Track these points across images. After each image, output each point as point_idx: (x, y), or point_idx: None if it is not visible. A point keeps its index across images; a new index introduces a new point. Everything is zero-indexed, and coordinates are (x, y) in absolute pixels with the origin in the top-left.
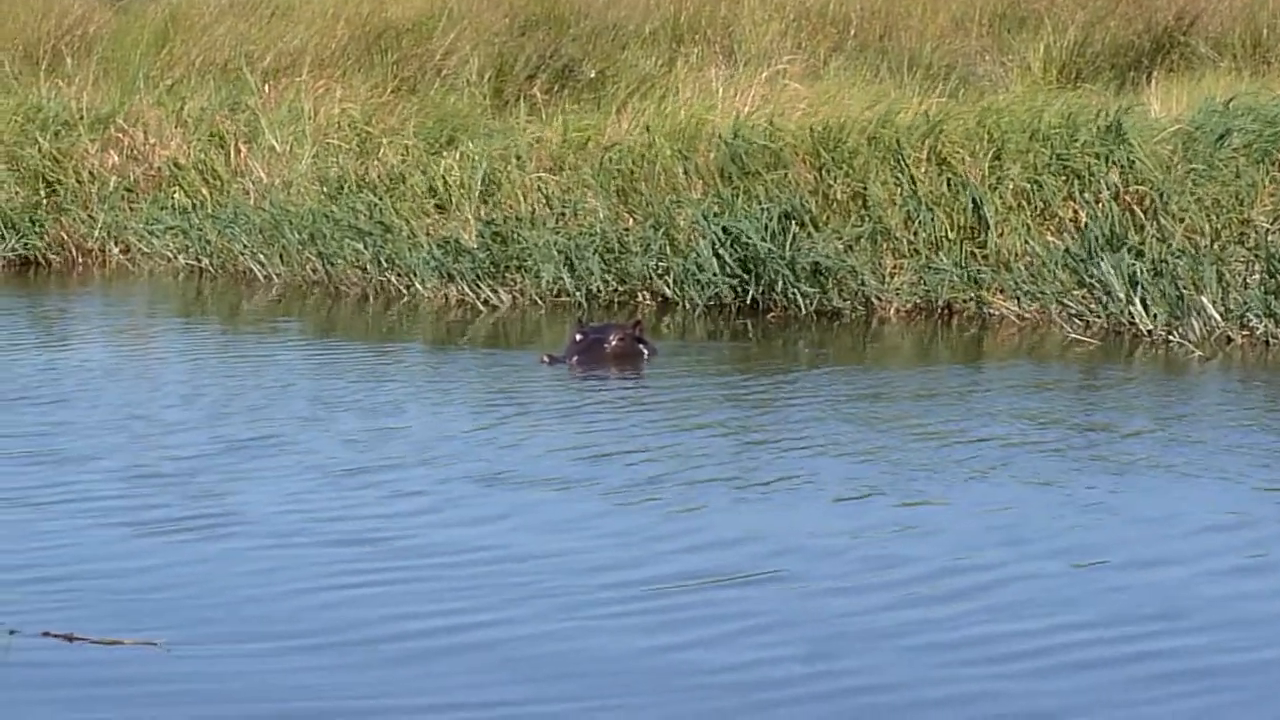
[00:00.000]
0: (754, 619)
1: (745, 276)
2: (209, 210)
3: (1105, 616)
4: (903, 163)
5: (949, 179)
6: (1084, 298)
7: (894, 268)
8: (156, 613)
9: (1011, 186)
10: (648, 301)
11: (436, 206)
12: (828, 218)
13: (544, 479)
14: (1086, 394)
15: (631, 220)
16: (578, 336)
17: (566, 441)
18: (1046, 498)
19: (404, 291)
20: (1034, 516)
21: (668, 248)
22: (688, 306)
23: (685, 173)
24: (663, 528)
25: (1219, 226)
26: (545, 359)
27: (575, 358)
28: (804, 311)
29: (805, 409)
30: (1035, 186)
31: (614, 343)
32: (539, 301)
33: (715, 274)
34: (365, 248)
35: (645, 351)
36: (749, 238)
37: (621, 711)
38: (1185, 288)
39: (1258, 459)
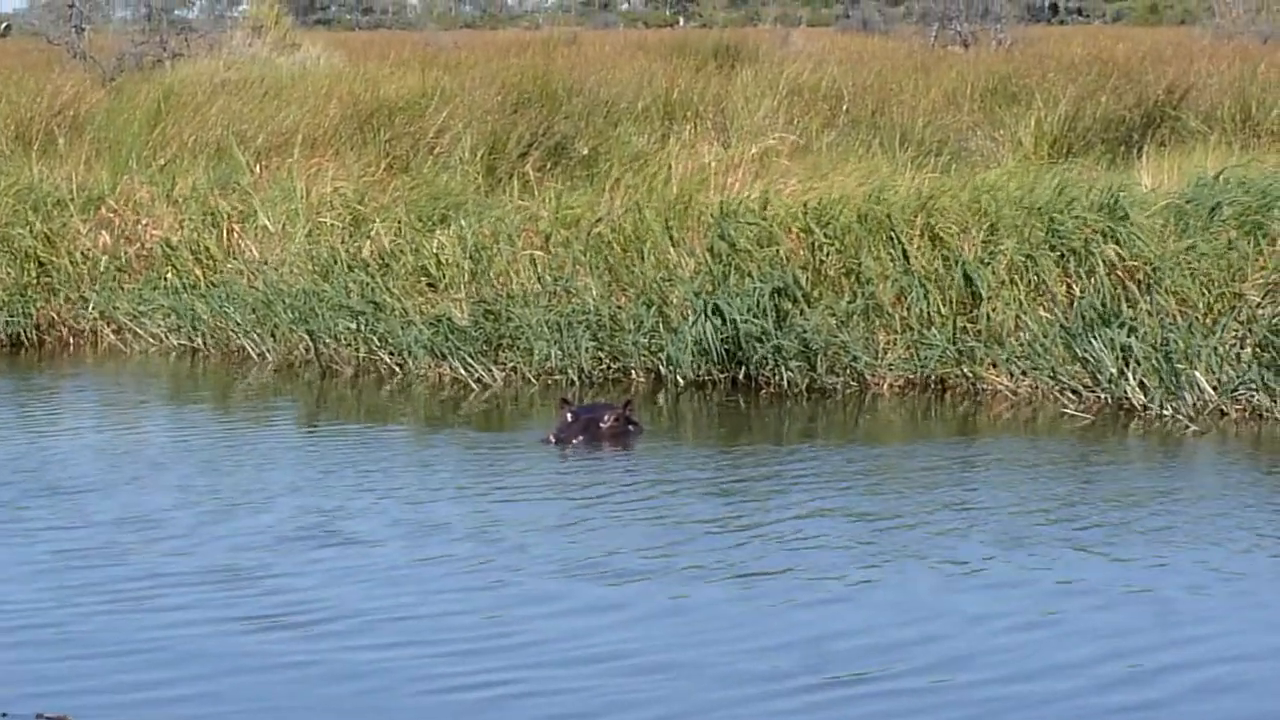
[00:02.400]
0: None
1: (737, 354)
2: (201, 290)
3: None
4: (895, 238)
5: (942, 254)
6: (1077, 372)
7: (887, 343)
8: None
9: (1005, 261)
10: (640, 379)
11: (429, 284)
12: (820, 293)
13: (540, 561)
14: (1080, 470)
15: (624, 297)
16: (569, 416)
17: (558, 522)
18: (1037, 575)
19: (396, 369)
20: (1039, 597)
21: (660, 325)
22: (680, 384)
23: (675, 250)
24: (675, 615)
25: (1211, 300)
26: (551, 439)
27: (579, 437)
28: (796, 388)
29: (798, 489)
30: (1029, 261)
31: (609, 422)
32: (531, 379)
33: (707, 352)
34: (358, 326)
35: (635, 430)
36: (740, 315)
37: None
38: (1178, 362)
39: (1251, 531)
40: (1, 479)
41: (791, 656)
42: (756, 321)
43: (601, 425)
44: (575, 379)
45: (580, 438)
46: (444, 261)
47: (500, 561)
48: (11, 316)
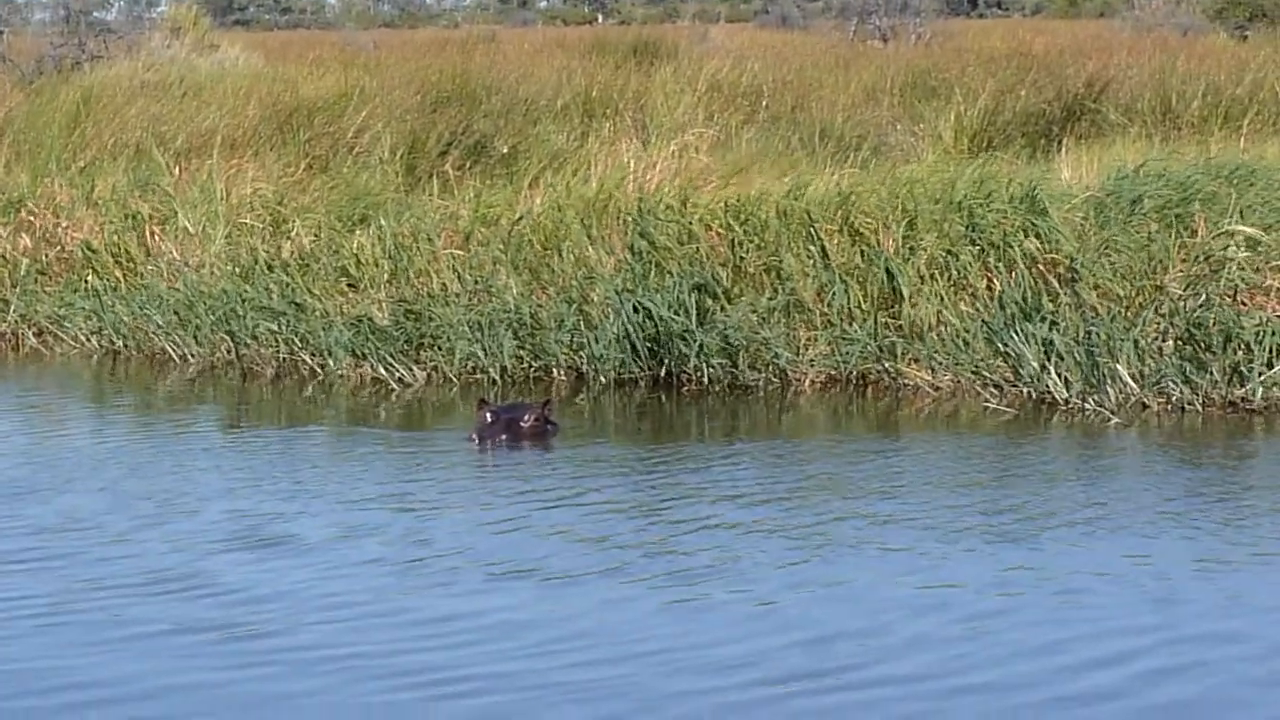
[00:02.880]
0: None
1: (658, 351)
2: (122, 292)
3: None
4: (815, 234)
5: (862, 250)
6: (999, 367)
7: (808, 339)
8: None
9: (925, 256)
10: (562, 377)
11: (349, 285)
12: (741, 290)
13: (470, 562)
14: (1002, 463)
15: (545, 296)
16: (488, 416)
17: (483, 522)
18: (964, 567)
19: (318, 370)
20: (952, 587)
21: (581, 323)
22: (603, 382)
23: (595, 247)
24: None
25: (1133, 293)
26: (474, 438)
27: (501, 437)
28: (718, 385)
29: (722, 485)
30: (950, 256)
31: (529, 421)
32: (453, 379)
33: (628, 349)
34: (279, 327)
35: (553, 429)
36: (660, 313)
37: None
38: (1100, 355)
39: (1171, 521)
40: None
41: (724, 654)
42: (678, 318)
43: (522, 425)
44: (497, 378)
45: (503, 437)
46: (364, 261)
47: (431, 563)
48: None
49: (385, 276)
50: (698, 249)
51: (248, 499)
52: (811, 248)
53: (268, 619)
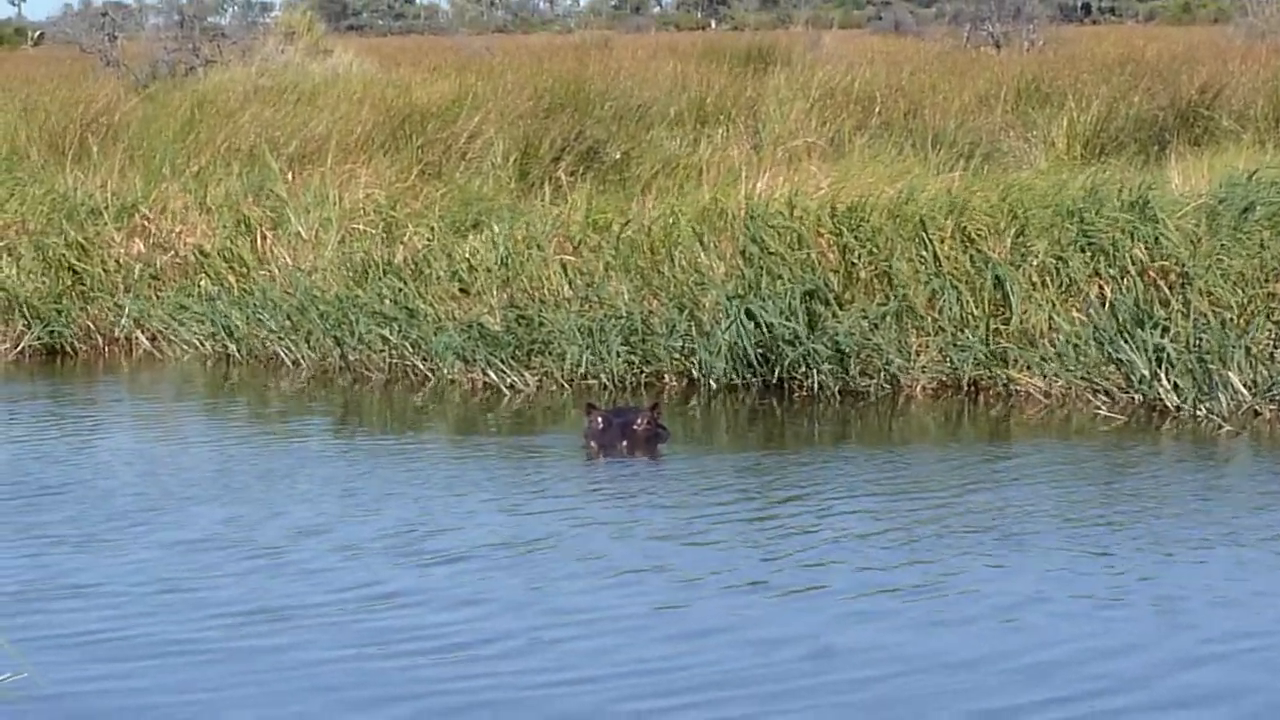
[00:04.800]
0: None
1: (769, 357)
2: (235, 296)
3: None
4: (927, 240)
5: (973, 255)
6: (1110, 374)
7: (919, 345)
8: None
9: (1036, 263)
10: (672, 383)
11: (461, 290)
12: (852, 296)
13: (588, 570)
14: (1114, 472)
15: (655, 301)
16: (599, 421)
17: (600, 530)
18: (1079, 581)
19: (429, 375)
20: (1067, 600)
21: (692, 329)
22: (713, 387)
23: (706, 253)
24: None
25: (1245, 300)
26: (594, 446)
27: (621, 443)
28: (828, 391)
29: (832, 493)
30: (1060, 263)
31: (642, 425)
32: (563, 384)
33: (738, 355)
34: (390, 332)
35: (663, 434)
36: (772, 318)
37: None
38: (1212, 363)
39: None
40: (50, 490)
41: (837, 664)
42: (789, 324)
43: (635, 429)
44: (607, 384)
45: (624, 443)
46: (476, 267)
47: (550, 571)
48: (47, 325)
49: (497, 282)
50: (809, 255)
51: (388, 508)
52: (923, 254)
53: (516, 630)
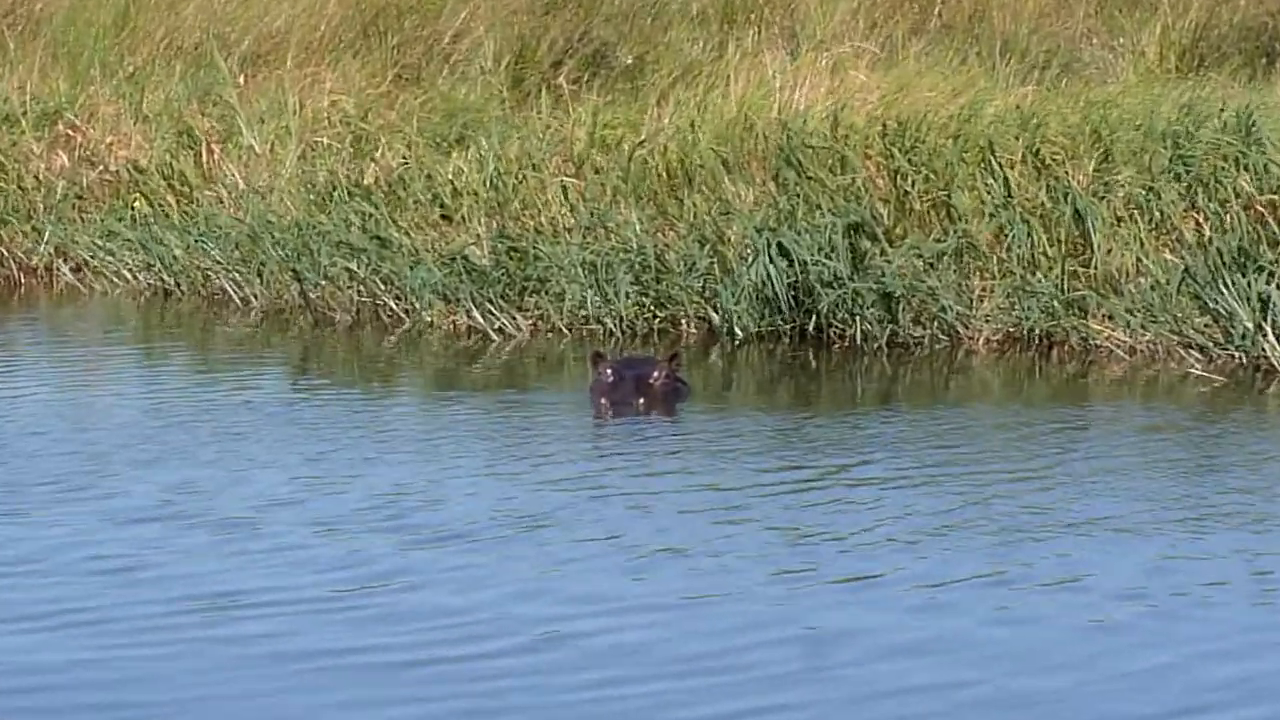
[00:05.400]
0: None
1: (805, 301)
2: (175, 221)
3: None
4: (994, 165)
5: (1048, 184)
6: (1206, 326)
7: (982, 290)
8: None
9: (1122, 194)
10: (691, 330)
11: (442, 217)
12: (904, 231)
13: (593, 545)
14: (1207, 439)
15: (672, 234)
16: (609, 373)
17: (608, 500)
18: (1172, 571)
19: (404, 317)
20: (1162, 594)
21: (715, 267)
22: (738, 336)
23: (732, 178)
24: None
25: None
26: (604, 404)
27: (638, 400)
28: (874, 342)
29: (877, 460)
30: (1150, 195)
31: (660, 379)
32: (562, 329)
33: (769, 299)
34: (359, 266)
35: (684, 389)
36: (809, 256)
37: None
38: None
39: None
40: None
41: (900, 667)
42: (829, 263)
43: (651, 383)
44: (614, 330)
45: (640, 400)
46: (460, 190)
47: (557, 553)
48: None
49: (485, 208)
50: (853, 181)
51: (360, 476)
52: (990, 182)
53: (522, 622)
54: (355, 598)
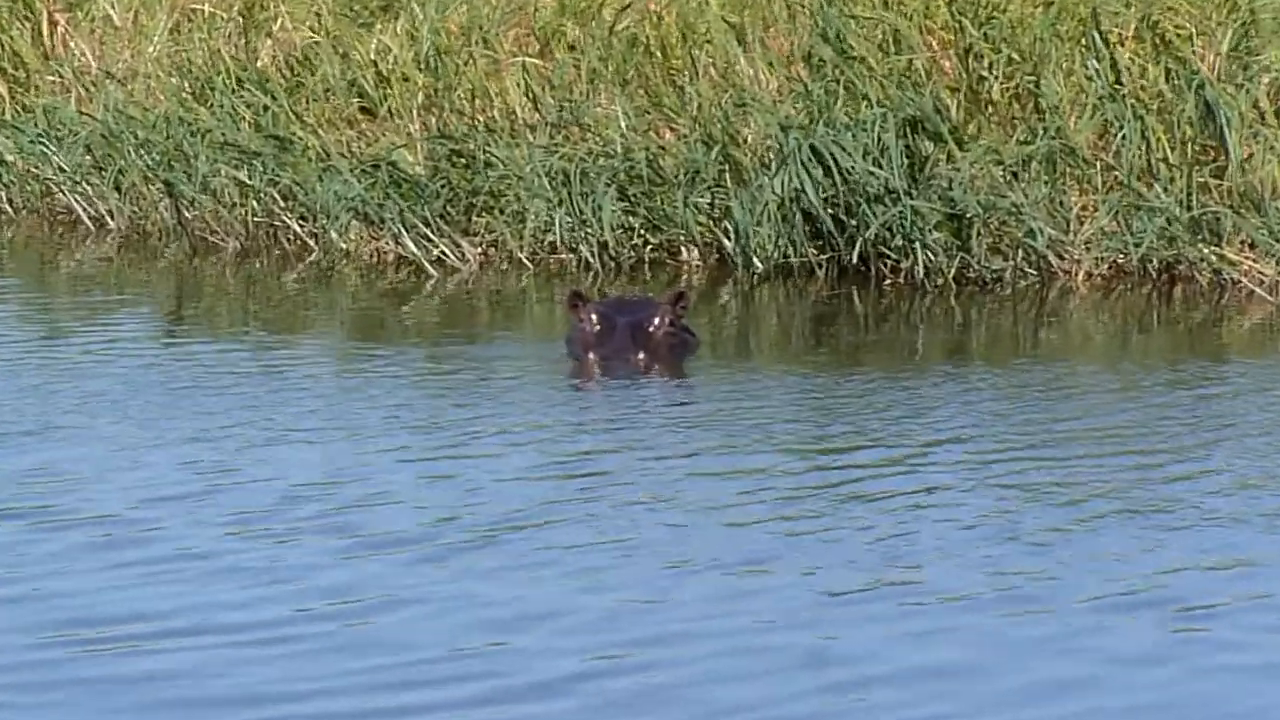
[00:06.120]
0: None
1: (846, 224)
2: (5, 118)
3: None
4: (1097, 42)
5: (1168, 69)
6: None
7: (1082, 209)
8: None
9: (1266, 82)
10: (695, 260)
11: (363, 110)
12: (977, 129)
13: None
14: None
15: (669, 132)
16: (595, 318)
17: (593, 486)
18: None
19: (312, 244)
20: None
21: (727, 177)
22: (758, 269)
23: (749, 56)
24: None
25: None
26: (588, 362)
27: (638, 354)
28: (939, 278)
29: (947, 436)
30: None
31: (662, 326)
32: (523, 260)
33: (798, 220)
34: (251, 176)
35: (693, 340)
36: (852, 162)
37: None
38: None
39: None
40: None
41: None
42: (878, 172)
43: (651, 331)
44: (593, 260)
45: (637, 355)
46: (387, 75)
47: (538, 556)
48: None
49: (419, 99)
50: (910, 63)
51: (267, 457)
52: (1093, 64)
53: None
54: (284, 625)
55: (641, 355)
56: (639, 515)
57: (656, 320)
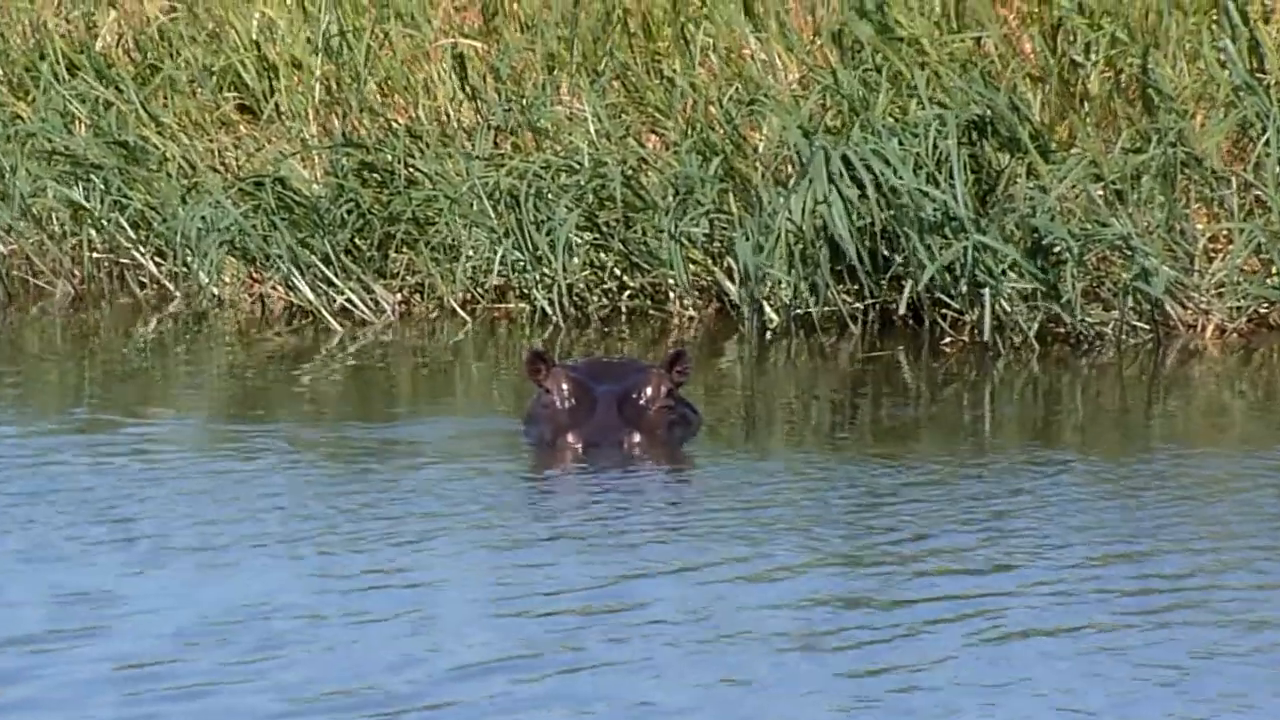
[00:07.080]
0: None
1: (888, 262)
2: None
3: None
4: (1233, 16)
5: None
6: None
7: (1212, 241)
8: None
9: None
10: (687, 312)
11: (241, 108)
12: (1069, 134)
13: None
14: None
15: (652, 138)
16: (564, 386)
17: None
18: None
19: (170, 289)
20: None
21: (730, 199)
22: (773, 321)
23: (757, 34)
24: None
25: None
26: (564, 443)
27: (632, 436)
28: (1016, 335)
29: (1032, 547)
30: None
31: (657, 398)
32: (458, 310)
33: (823, 257)
34: (88, 197)
35: (694, 417)
36: (899, 179)
37: None
38: None
39: None
40: None
41: None
42: (934, 193)
43: (642, 404)
44: (551, 310)
45: (635, 438)
46: (274, 61)
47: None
48: None
49: (318, 92)
50: (979, 44)
51: (114, 590)
52: (1226, 45)
53: None
54: None
55: (637, 440)
56: (629, 644)
57: (649, 390)
